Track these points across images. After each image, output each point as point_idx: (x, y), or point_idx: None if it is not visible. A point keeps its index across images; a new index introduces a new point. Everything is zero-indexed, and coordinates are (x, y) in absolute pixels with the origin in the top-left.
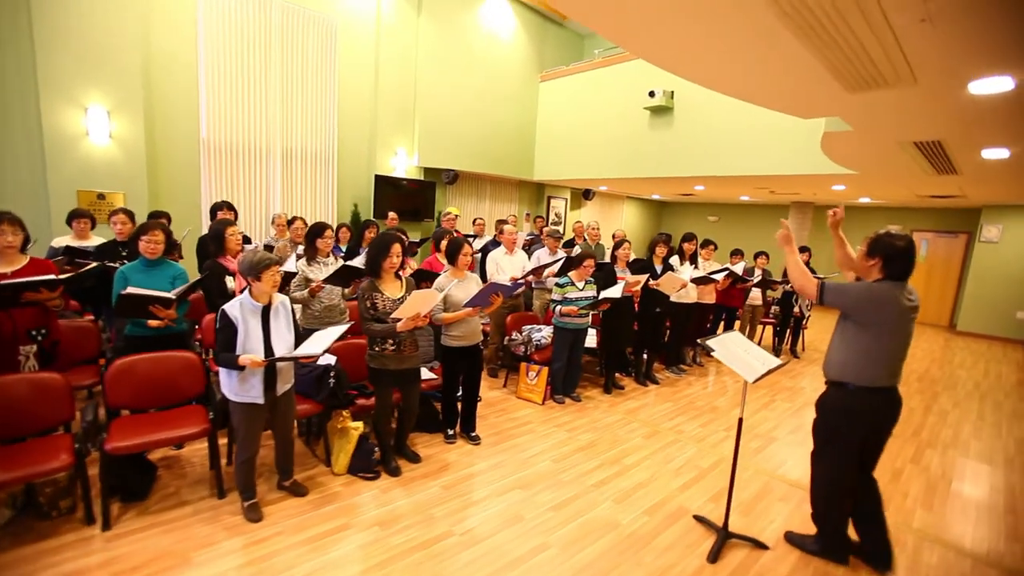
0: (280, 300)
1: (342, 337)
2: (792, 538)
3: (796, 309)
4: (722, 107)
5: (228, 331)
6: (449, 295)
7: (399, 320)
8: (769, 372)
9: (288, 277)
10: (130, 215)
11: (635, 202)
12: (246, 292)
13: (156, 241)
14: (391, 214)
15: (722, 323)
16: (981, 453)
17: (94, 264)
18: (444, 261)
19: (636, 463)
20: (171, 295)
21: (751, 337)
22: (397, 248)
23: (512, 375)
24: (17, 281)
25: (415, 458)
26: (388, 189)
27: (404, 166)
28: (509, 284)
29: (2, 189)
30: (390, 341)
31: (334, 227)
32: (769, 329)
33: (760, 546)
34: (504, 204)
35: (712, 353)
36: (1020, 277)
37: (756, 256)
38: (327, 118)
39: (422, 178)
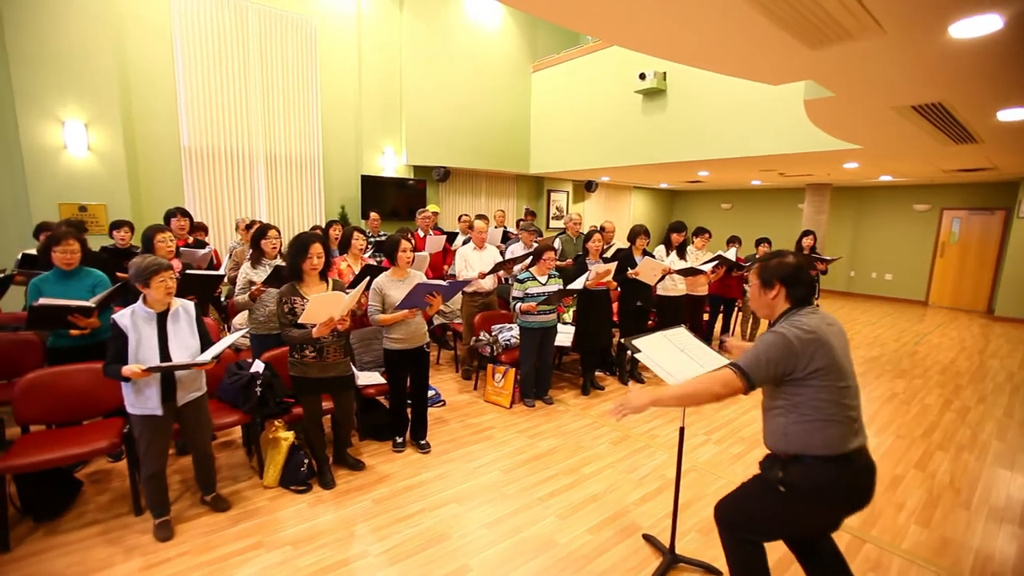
0: (180, 304)
1: (280, 343)
2: None
3: None
4: (717, 86)
5: (118, 341)
6: (388, 295)
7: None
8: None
9: (208, 280)
10: (130, 226)
11: (643, 192)
12: (140, 300)
13: (71, 251)
14: (373, 214)
15: (720, 315)
16: (1002, 456)
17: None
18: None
19: (595, 473)
20: (91, 303)
21: (754, 329)
22: (317, 248)
23: (485, 376)
24: None
25: (358, 466)
26: (376, 189)
27: (393, 165)
28: (445, 283)
29: None
30: (309, 348)
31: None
32: None
33: (712, 572)
34: (501, 200)
35: (637, 355)
36: None
37: (758, 243)
38: (310, 120)
39: (412, 176)
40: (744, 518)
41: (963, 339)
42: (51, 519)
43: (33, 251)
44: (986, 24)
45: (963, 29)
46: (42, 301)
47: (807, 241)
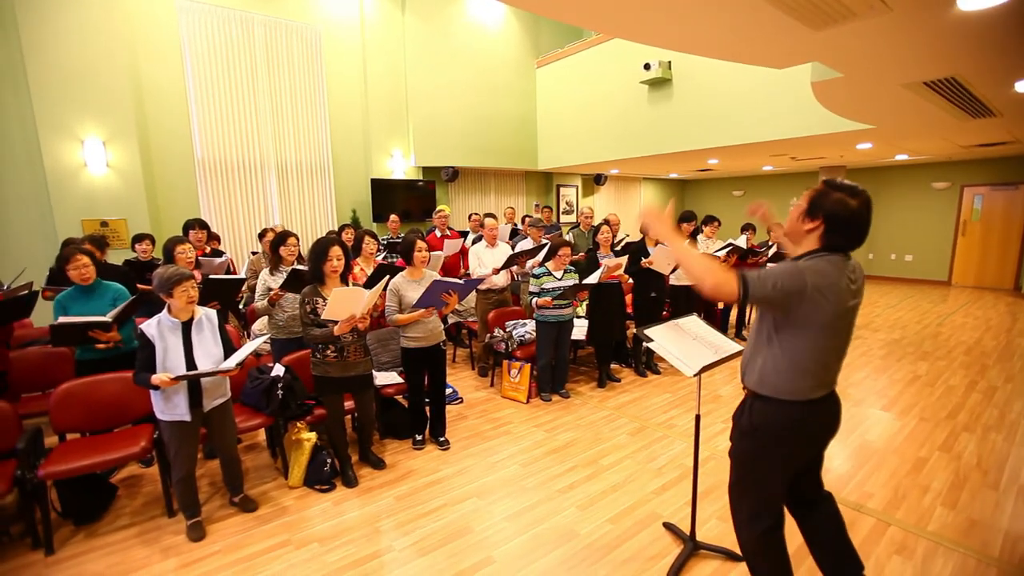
0: (203, 313)
1: (300, 347)
2: None
3: None
4: (723, 72)
5: (146, 351)
6: (404, 296)
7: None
8: (722, 361)
9: (230, 285)
10: (151, 239)
11: (653, 183)
12: (165, 310)
13: (83, 266)
14: (392, 216)
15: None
16: None
17: (27, 292)
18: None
19: (613, 464)
20: (107, 318)
21: None
22: (336, 251)
23: (501, 373)
24: None
25: (380, 464)
26: (386, 192)
27: (402, 167)
28: (461, 281)
29: (13, 225)
30: (331, 347)
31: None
32: None
33: (733, 558)
34: (511, 197)
35: (650, 344)
36: None
37: (769, 229)
38: (319, 127)
39: (421, 178)
40: (741, 482)
41: (989, 318)
42: (90, 522)
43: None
44: None
45: (971, 1)
46: (61, 320)
47: (746, 235)
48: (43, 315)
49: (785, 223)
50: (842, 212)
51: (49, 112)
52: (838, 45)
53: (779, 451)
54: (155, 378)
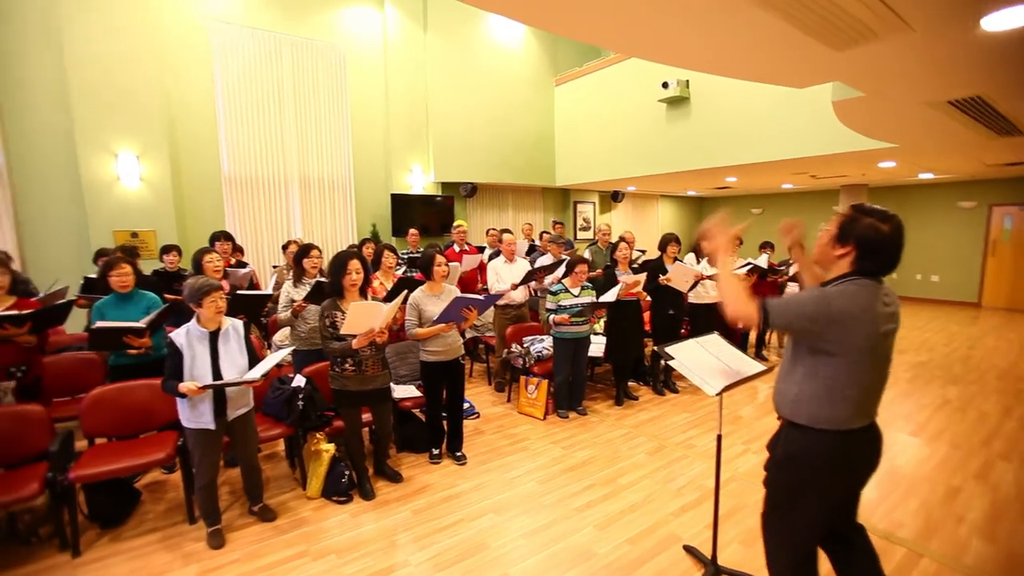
0: (230, 324)
1: (321, 358)
2: None
3: None
4: (741, 91)
5: (174, 359)
6: (424, 310)
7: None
8: (744, 380)
9: (257, 300)
10: (179, 250)
11: (670, 200)
12: (193, 319)
13: (125, 274)
14: (412, 231)
15: None
16: None
17: (63, 300)
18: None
19: (632, 483)
20: (142, 324)
21: None
22: (355, 264)
23: (518, 388)
24: None
25: (396, 478)
26: (405, 207)
27: (421, 183)
28: (481, 297)
29: (51, 234)
30: (349, 361)
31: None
32: None
33: None
34: (528, 213)
35: (671, 362)
36: None
37: (790, 248)
38: (341, 143)
39: (440, 193)
40: (774, 514)
41: (1022, 342)
42: (115, 526)
43: (93, 275)
44: (1020, 16)
45: (996, 22)
46: (98, 324)
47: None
48: (75, 323)
49: (814, 249)
50: (874, 237)
51: (87, 128)
52: (860, 65)
53: (815, 483)
54: (183, 386)
